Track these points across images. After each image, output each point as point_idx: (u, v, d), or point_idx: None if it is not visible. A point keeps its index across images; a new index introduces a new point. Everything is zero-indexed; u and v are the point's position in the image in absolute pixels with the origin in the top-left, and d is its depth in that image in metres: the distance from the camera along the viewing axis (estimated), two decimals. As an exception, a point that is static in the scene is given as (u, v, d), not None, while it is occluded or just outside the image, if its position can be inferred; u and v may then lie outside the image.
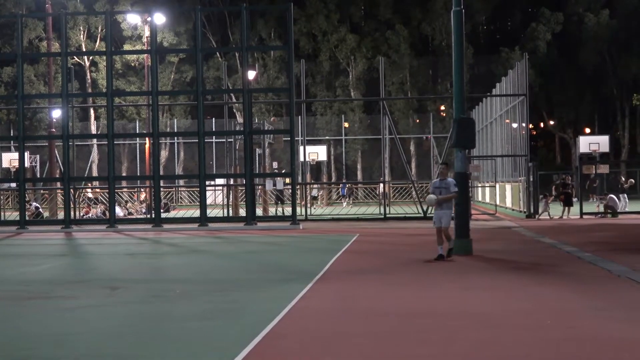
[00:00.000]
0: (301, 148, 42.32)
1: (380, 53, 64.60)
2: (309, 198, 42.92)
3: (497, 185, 45.42)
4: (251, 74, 45.82)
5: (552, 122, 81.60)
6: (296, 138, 37.42)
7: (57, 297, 13.32)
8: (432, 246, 21.96)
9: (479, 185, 52.51)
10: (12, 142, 54.44)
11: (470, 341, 9.37)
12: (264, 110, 70.80)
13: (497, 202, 43.18)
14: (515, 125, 41.27)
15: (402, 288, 13.90)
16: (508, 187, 43.19)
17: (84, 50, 69.72)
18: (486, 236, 25.04)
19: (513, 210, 40.43)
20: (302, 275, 15.39)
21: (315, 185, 42.44)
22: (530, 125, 50.37)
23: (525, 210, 36.76)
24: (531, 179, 36.37)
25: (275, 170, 51.42)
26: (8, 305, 12.59)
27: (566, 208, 35.99)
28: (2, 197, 43.98)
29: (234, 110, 67.28)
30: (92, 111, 70.08)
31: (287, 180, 35.71)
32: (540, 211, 36.11)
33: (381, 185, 46.31)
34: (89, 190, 51.46)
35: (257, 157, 47.21)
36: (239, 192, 41.09)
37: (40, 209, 41.44)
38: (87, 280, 15.73)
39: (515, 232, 27.48)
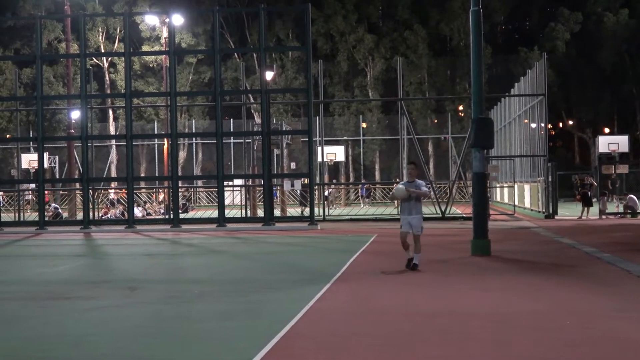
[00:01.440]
0: (319, 148, 42.32)
1: (398, 53, 64.57)
2: (329, 199, 42.93)
3: (516, 186, 45.29)
4: (269, 75, 45.82)
5: (570, 122, 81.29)
6: (314, 138, 37.44)
7: (76, 298, 13.36)
8: (450, 246, 21.96)
9: (498, 185, 52.40)
10: (31, 143, 54.68)
11: (488, 342, 9.34)
12: (282, 111, 70.87)
13: (516, 203, 43.06)
14: (533, 125, 41.13)
15: (419, 289, 13.87)
16: (527, 187, 43.05)
17: (103, 51, 70.01)
18: (504, 236, 24.97)
19: (532, 210, 40.29)
20: (320, 276, 15.39)
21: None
22: (549, 125, 50.21)
23: (544, 210, 36.62)
24: (550, 179, 36.27)
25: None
26: (27, 305, 12.64)
27: (585, 208, 35.85)
28: (21, 198, 44.22)
29: (252, 111, 67.36)
30: (110, 112, 70.36)
31: (305, 180, 35.71)
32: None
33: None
34: (111, 191, 51.65)
35: (275, 157, 47.24)
36: (257, 193, 41.13)
37: (59, 210, 41.63)
38: (105, 281, 15.77)
39: (533, 233, 27.38)
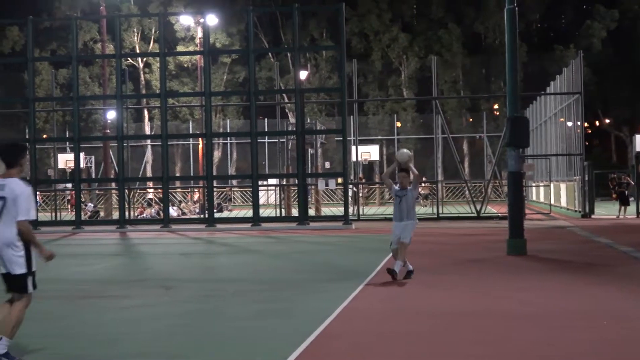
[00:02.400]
0: (353, 148, 42.27)
1: (432, 52, 64.26)
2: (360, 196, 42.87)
3: (552, 185, 44.96)
4: (303, 74, 45.88)
5: (607, 121, 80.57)
6: (348, 138, 37.38)
7: (111, 297, 13.44)
8: (485, 246, 21.85)
9: (533, 184, 52.04)
10: (67, 143, 55.10)
11: (524, 341, 9.27)
12: (316, 110, 70.85)
13: (552, 202, 42.74)
14: (569, 123, 40.80)
15: (454, 288, 13.80)
16: (563, 186, 42.72)
17: (138, 51, 70.40)
18: (541, 236, 24.79)
19: (568, 209, 39.97)
20: (354, 275, 15.36)
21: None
22: (585, 124, 49.82)
23: (580, 209, 36.32)
24: (586, 178, 35.95)
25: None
26: (62, 304, 12.73)
27: (622, 207, 35.50)
28: (58, 198, 44.59)
29: (286, 111, 67.44)
30: (146, 112, 70.74)
31: (340, 180, 35.67)
32: None
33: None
34: (150, 190, 51.91)
35: (309, 157, 47.26)
36: (291, 192, 41.13)
37: (96, 208, 41.91)
38: (141, 280, 15.85)
39: (570, 232, 27.17)
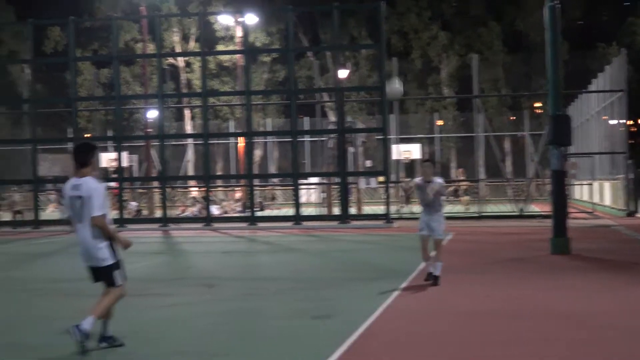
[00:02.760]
0: (394, 146, 42.14)
1: (472, 50, 63.86)
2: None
3: (595, 183, 44.51)
4: (343, 73, 45.73)
5: (651, 118, 79.67)
6: (389, 136, 37.27)
7: (153, 295, 13.49)
8: (528, 245, 21.65)
9: (576, 183, 51.57)
10: (109, 142, 55.50)
11: (565, 342, 9.18)
12: (356, 109, 70.70)
13: (596, 200, 42.32)
14: (613, 121, 40.37)
15: (496, 288, 13.70)
16: (606, 184, 42.25)
17: (178, 51, 70.70)
18: (584, 235, 24.54)
19: (612, 208, 39.53)
20: (396, 274, 15.30)
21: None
22: (629, 122, 49.21)
23: (624, 208, 35.92)
24: (630, 177, 35.55)
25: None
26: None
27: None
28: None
29: (326, 109, 67.35)
30: (186, 111, 71.01)
31: (381, 178, 35.57)
32: None
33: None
34: (193, 189, 52.11)
35: (350, 155, 47.16)
36: (333, 191, 41.09)
37: (139, 207, 42.16)
38: (183, 278, 15.91)
39: (614, 231, 26.87)
